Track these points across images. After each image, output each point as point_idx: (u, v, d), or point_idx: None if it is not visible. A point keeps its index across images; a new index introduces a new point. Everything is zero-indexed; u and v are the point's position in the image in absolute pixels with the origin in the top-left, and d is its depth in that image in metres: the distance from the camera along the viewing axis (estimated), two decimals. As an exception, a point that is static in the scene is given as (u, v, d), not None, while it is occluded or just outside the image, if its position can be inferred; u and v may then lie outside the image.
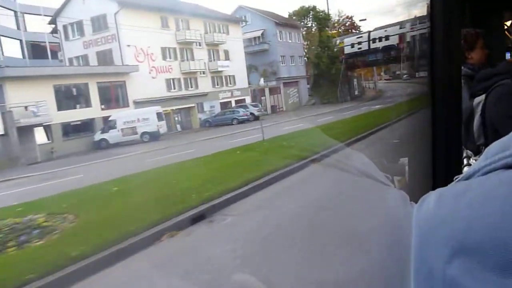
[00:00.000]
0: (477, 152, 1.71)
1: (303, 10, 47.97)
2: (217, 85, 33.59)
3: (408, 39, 43.29)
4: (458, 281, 0.34)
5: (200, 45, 32.03)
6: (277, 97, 42.32)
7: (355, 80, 54.12)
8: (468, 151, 1.57)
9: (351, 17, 68.72)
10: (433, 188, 0.95)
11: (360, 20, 59.07)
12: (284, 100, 43.26)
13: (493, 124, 1.79)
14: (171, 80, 29.16)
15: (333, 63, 49.17)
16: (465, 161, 1.47)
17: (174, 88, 29.48)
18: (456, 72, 1.16)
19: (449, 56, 1.12)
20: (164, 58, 28.73)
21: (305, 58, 48.78)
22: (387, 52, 47.69)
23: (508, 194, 0.34)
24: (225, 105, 33.52)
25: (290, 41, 45.00)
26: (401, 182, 1.66)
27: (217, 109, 32.71)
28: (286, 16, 48.86)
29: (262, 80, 40.11)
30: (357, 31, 55.93)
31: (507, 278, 0.31)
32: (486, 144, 1.61)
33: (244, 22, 37.72)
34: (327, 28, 51.02)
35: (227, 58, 34.45)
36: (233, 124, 29.98)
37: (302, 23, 48.59)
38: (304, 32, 49.18)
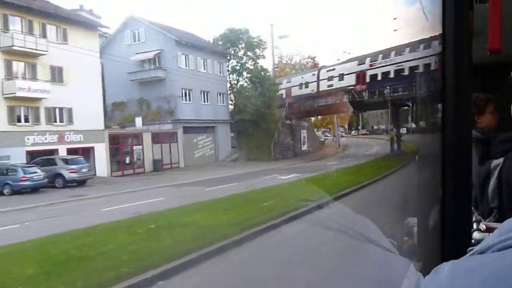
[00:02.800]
0: (489, 214, 1.77)
1: (232, 33, 35.55)
2: (24, 121, 19.97)
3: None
4: None
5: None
6: (171, 147, 28.81)
7: (303, 131, 41.14)
8: (478, 215, 1.52)
9: (313, 58, 57.17)
10: (442, 254, 0.99)
11: (280, 38, 41.94)
12: (183, 152, 29.70)
13: (510, 188, 1.77)
14: None
15: (269, 107, 36.35)
16: (474, 226, 1.42)
17: None
18: (466, 136, 1.20)
19: (460, 120, 1.16)
20: None
21: (231, 97, 35.81)
22: (342, 96, 35.11)
23: None
24: (41, 156, 19.76)
25: (203, 70, 32.17)
26: (407, 244, 1.72)
27: (20, 161, 18.91)
28: (211, 40, 36.42)
29: (139, 120, 26.70)
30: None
31: None
32: (500, 207, 1.77)
33: (106, 28, 24.74)
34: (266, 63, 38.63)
35: (57, 79, 21.17)
36: (4, 194, 16.14)
37: (233, 51, 36.07)
38: (234, 63, 36.60)
